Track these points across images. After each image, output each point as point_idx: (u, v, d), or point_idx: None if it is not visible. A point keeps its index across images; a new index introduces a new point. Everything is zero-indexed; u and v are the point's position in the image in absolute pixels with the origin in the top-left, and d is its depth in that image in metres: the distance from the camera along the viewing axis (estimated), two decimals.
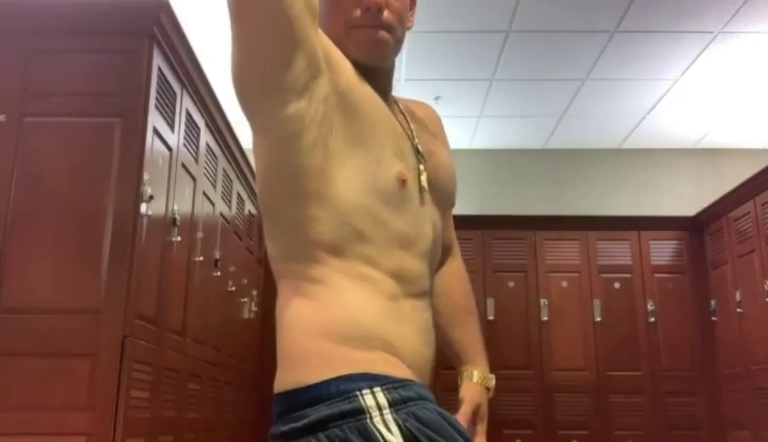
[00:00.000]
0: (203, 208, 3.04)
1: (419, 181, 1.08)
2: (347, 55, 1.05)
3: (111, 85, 2.29)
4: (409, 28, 1.14)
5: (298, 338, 0.97)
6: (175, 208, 2.60)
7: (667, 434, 4.41)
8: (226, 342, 3.46)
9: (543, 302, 4.57)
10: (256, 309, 4.14)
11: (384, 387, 0.92)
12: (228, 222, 3.52)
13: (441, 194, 1.15)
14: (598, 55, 4.00)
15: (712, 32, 3.75)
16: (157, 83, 2.39)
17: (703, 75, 4.19)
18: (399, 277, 1.01)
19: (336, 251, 0.98)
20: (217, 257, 3.25)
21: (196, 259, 2.90)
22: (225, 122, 3.30)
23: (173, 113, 2.58)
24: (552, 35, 3.80)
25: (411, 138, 1.12)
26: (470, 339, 1.26)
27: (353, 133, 1.00)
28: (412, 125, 1.15)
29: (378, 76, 1.10)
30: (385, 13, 1.06)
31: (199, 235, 2.94)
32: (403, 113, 1.17)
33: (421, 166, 1.10)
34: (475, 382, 1.22)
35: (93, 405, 2.03)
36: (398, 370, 0.96)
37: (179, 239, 2.60)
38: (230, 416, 3.57)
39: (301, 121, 0.96)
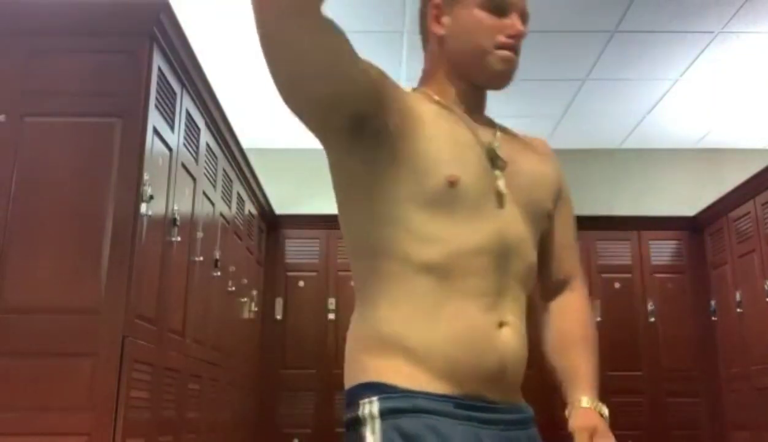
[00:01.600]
0: (203, 208, 3.04)
1: (497, 185, 1.11)
2: (472, 75, 1.17)
3: (111, 85, 2.29)
4: None
5: (350, 345, 1.10)
6: (175, 208, 2.60)
7: (667, 434, 4.41)
8: (226, 342, 3.46)
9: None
10: (256, 309, 4.14)
11: (380, 397, 0.99)
12: (228, 222, 3.52)
13: (525, 199, 1.14)
14: (598, 55, 4.00)
15: (712, 32, 3.75)
16: (157, 83, 2.39)
17: (703, 75, 4.19)
18: (441, 272, 1.04)
19: (373, 255, 1.07)
20: (217, 257, 3.25)
21: (196, 259, 2.90)
22: (225, 122, 3.30)
23: (173, 113, 2.58)
24: (552, 35, 3.80)
25: (486, 146, 1.13)
26: (580, 369, 1.16)
27: (400, 154, 1.06)
28: (499, 135, 1.18)
29: (479, 94, 1.21)
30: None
31: (199, 235, 2.94)
32: (494, 127, 1.21)
33: (497, 172, 1.12)
34: (585, 407, 1.10)
35: (93, 405, 2.02)
36: (413, 380, 1.00)
37: (179, 239, 2.60)
38: (230, 416, 3.57)
39: (353, 151, 1.07)
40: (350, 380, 1.05)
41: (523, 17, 1.17)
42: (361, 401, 1.00)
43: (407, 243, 1.04)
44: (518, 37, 1.15)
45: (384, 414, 0.98)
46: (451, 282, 1.04)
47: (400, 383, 1.00)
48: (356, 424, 1.00)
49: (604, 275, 4.64)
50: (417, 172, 1.05)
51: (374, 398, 0.99)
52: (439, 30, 1.17)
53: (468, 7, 1.14)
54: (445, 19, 1.16)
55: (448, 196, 1.05)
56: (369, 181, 1.06)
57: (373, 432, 0.97)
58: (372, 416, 0.98)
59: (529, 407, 1.13)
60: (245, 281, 3.87)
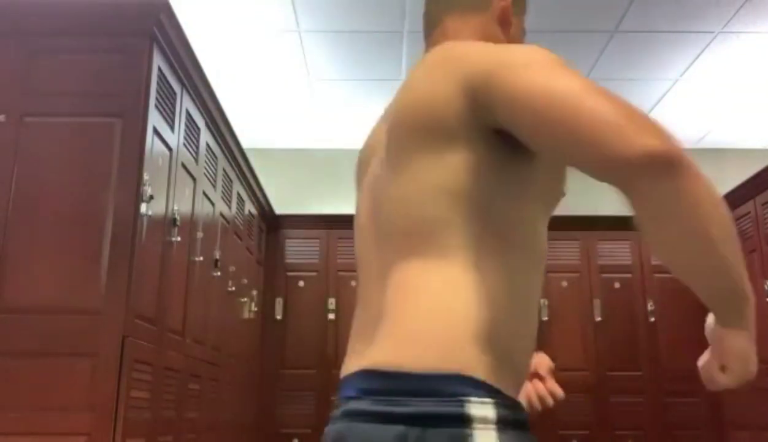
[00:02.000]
0: (203, 208, 3.05)
1: None
2: None
3: (111, 85, 2.29)
4: None
5: (450, 323, 0.91)
6: (175, 208, 2.60)
7: (667, 434, 4.41)
8: (226, 342, 3.46)
9: (543, 302, 4.57)
10: (256, 309, 4.14)
11: (495, 402, 0.87)
12: (228, 222, 3.53)
13: None
14: (598, 55, 4.00)
15: (712, 32, 3.75)
16: (157, 83, 2.39)
17: (703, 75, 4.19)
18: (540, 279, 1.04)
19: (509, 245, 0.97)
20: (217, 257, 3.25)
21: (196, 259, 2.90)
22: (225, 122, 3.30)
23: (173, 113, 2.58)
24: (553, 35, 3.80)
25: None
26: None
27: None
28: None
29: None
30: None
31: (199, 235, 2.94)
32: None
33: None
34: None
35: (93, 405, 2.03)
36: (515, 390, 0.93)
37: (179, 239, 2.60)
38: (230, 416, 3.57)
39: None
40: (442, 365, 0.84)
41: None
42: (470, 399, 0.83)
43: (538, 243, 0.97)
44: None
45: (499, 423, 0.83)
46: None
47: (509, 391, 0.87)
48: (458, 422, 0.82)
49: (604, 275, 4.64)
50: (558, 177, 1.01)
51: (488, 401, 0.83)
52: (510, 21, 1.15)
53: (519, 23, 1.18)
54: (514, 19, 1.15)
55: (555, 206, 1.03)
56: (529, 172, 0.96)
57: (486, 439, 0.82)
58: (485, 421, 0.82)
59: None
60: (245, 281, 3.87)
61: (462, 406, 0.82)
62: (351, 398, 0.89)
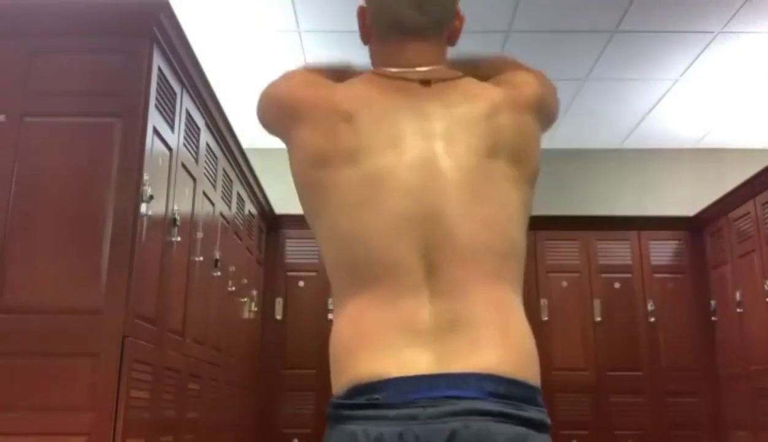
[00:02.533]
0: (203, 208, 3.04)
1: None
2: None
3: (111, 85, 2.29)
4: (365, 42, 1.25)
5: (533, 340, 1.07)
6: (175, 208, 2.60)
7: (667, 434, 4.41)
8: (226, 342, 3.46)
9: (543, 302, 4.57)
10: (256, 309, 4.14)
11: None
12: (228, 222, 3.52)
13: None
14: (598, 55, 4.00)
15: (712, 32, 3.75)
16: (157, 83, 2.39)
17: (703, 75, 4.19)
18: None
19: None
20: (217, 257, 3.25)
21: (196, 259, 2.90)
22: (225, 122, 3.30)
23: (173, 113, 2.58)
24: (552, 35, 3.80)
25: None
26: None
27: None
28: None
29: None
30: None
31: (199, 235, 2.94)
32: None
33: None
34: None
35: (93, 405, 2.02)
36: None
37: (179, 239, 2.60)
38: (230, 416, 3.57)
39: None
40: (538, 380, 0.99)
41: None
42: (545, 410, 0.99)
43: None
44: None
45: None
46: None
47: None
48: (547, 429, 0.96)
49: (604, 275, 4.64)
50: None
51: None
52: None
53: None
54: None
55: None
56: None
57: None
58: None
59: None
60: (245, 281, 3.87)
61: (547, 416, 0.97)
62: (473, 398, 0.92)
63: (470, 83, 1.14)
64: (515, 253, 1.05)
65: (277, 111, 1.18)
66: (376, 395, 0.93)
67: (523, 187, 1.08)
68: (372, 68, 1.19)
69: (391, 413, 0.91)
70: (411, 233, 1.01)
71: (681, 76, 4.21)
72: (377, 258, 1.02)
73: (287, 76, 1.18)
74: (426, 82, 1.12)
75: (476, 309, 0.98)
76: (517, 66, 1.25)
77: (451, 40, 1.22)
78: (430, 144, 1.05)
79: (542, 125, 1.17)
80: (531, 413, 0.93)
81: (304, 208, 1.14)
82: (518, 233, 1.06)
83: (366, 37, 1.24)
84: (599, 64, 4.08)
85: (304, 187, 1.12)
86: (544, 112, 1.17)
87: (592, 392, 4.47)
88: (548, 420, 0.96)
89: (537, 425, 0.93)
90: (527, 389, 0.95)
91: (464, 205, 1.02)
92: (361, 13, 1.22)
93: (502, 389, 0.93)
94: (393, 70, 1.15)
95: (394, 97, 1.10)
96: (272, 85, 1.19)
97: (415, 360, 0.95)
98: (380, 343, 0.99)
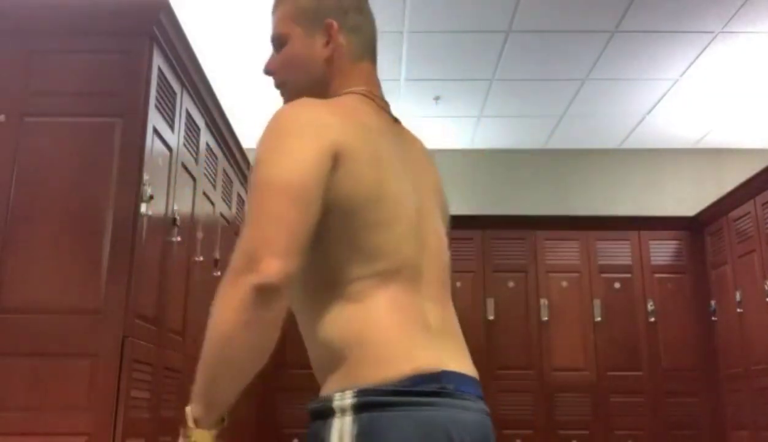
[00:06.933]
0: (203, 208, 3.04)
1: None
2: None
3: (111, 85, 2.29)
4: (325, 58, 1.19)
5: None
6: (175, 208, 2.60)
7: (667, 434, 4.41)
8: None
9: (543, 302, 4.57)
10: None
11: None
12: (228, 222, 3.53)
13: None
14: (598, 55, 4.00)
15: (712, 32, 3.75)
16: (157, 83, 2.39)
17: (703, 75, 4.19)
18: None
19: None
20: (217, 257, 3.25)
21: (196, 259, 2.90)
22: (225, 122, 3.30)
23: (173, 113, 2.58)
24: (552, 35, 3.80)
25: None
26: None
27: None
28: None
29: None
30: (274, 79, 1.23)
31: (199, 235, 2.94)
32: None
33: None
34: None
35: (93, 405, 2.03)
36: None
37: (179, 239, 2.60)
38: (230, 416, 3.56)
39: None
40: None
41: (273, 44, 1.23)
42: None
43: None
44: (266, 73, 1.24)
45: None
46: None
47: None
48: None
49: (604, 275, 4.64)
50: None
51: None
52: None
53: None
54: None
55: None
56: None
57: None
58: None
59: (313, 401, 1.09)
60: None
61: None
62: (480, 397, 1.06)
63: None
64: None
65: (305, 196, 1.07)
66: (449, 385, 0.98)
67: None
68: (344, 87, 1.19)
69: (458, 402, 0.99)
70: (430, 246, 1.14)
71: (681, 76, 4.21)
72: (398, 254, 1.10)
73: (288, 164, 1.04)
74: (394, 118, 1.22)
75: (454, 324, 1.12)
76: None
77: None
78: (418, 190, 1.16)
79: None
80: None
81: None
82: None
83: (329, 53, 1.18)
84: (599, 64, 4.08)
85: (346, 212, 1.08)
86: None
87: (592, 392, 4.47)
88: None
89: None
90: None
91: (442, 236, 1.20)
92: (334, 29, 1.18)
93: (481, 390, 1.07)
94: (376, 97, 1.20)
95: (384, 131, 1.16)
96: (277, 175, 1.04)
97: (440, 352, 1.03)
98: (420, 335, 1.03)
